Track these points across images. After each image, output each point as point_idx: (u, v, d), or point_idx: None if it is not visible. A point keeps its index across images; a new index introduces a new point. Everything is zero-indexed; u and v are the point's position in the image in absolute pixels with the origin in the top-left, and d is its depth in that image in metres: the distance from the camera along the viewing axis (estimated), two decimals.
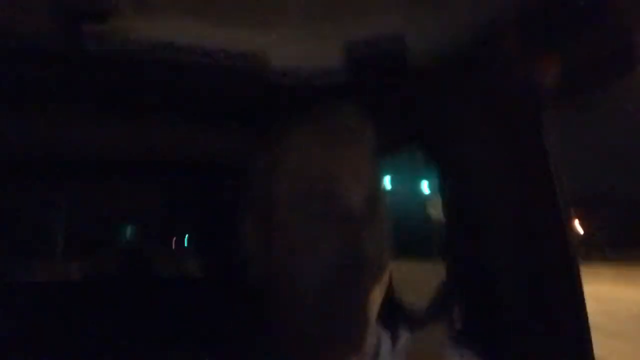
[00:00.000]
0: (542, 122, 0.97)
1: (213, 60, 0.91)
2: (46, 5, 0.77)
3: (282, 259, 0.64)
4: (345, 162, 0.65)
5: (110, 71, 0.96)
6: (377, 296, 0.64)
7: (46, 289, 2.14)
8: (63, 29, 0.81)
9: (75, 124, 1.30)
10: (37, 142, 1.42)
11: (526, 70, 0.92)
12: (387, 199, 0.69)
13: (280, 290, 0.66)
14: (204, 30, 0.83)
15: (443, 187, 1.13)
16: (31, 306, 1.78)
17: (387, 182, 0.72)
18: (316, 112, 0.69)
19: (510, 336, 0.94)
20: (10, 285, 2.12)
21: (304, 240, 0.62)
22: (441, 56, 0.89)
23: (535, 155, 0.96)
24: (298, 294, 0.63)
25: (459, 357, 0.74)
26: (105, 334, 1.60)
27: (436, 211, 1.18)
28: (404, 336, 0.74)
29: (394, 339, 0.73)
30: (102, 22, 0.78)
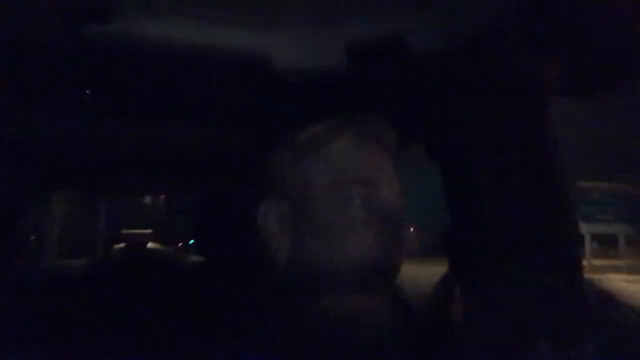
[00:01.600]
0: (544, 120, 0.97)
1: (215, 61, 0.91)
2: (47, 5, 0.77)
3: (312, 248, 0.65)
4: (378, 158, 0.70)
5: (111, 71, 0.97)
6: (391, 289, 0.66)
7: (57, 284, 2.18)
8: (64, 29, 0.81)
9: (78, 124, 1.31)
10: (37, 142, 1.42)
11: (528, 68, 0.92)
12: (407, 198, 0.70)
13: (306, 279, 0.67)
14: (206, 31, 0.83)
15: (445, 184, 1.13)
16: (36, 301, 1.82)
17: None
18: (348, 116, 0.71)
19: (513, 332, 0.94)
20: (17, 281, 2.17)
21: (340, 229, 0.64)
22: (443, 55, 0.89)
23: (539, 152, 0.96)
24: (323, 283, 0.64)
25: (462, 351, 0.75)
26: (112, 328, 1.62)
27: (438, 208, 1.18)
28: (407, 328, 0.75)
29: (398, 330, 0.74)
30: (104, 22, 0.78)
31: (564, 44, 0.86)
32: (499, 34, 0.84)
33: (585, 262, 1.05)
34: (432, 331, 0.92)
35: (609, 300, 0.99)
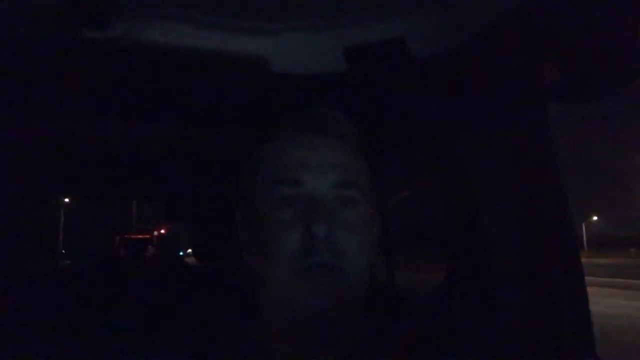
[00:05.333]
0: (544, 120, 0.97)
1: (213, 63, 0.91)
2: (47, 8, 0.77)
3: (260, 245, 0.66)
4: (315, 151, 0.67)
5: (109, 73, 0.97)
6: (358, 285, 0.64)
7: (57, 285, 2.21)
8: (63, 31, 0.81)
9: (76, 125, 1.31)
10: (37, 142, 1.43)
11: (527, 69, 0.92)
12: (371, 191, 0.70)
13: (261, 275, 0.67)
14: (204, 33, 0.84)
15: (445, 185, 1.13)
16: (36, 301, 1.84)
17: (376, 177, 0.73)
18: (294, 109, 0.71)
19: (510, 334, 0.94)
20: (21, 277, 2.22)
21: (277, 224, 0.64)
22: (442, 57, 0.89)
23: (539, 153, 0.96)
24: (273, 280, 0.64)
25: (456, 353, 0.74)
26: (110, 327, 1.64)
27: (436, 209, 1.18)
28: (402, 330, 0.74)
29: (391, 332, 0.73)
30: (102, 26, 0.79)
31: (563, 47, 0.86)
32: (497, 37, 0.84)
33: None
34: (430, 335, 0.92)
35: None
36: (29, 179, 1.97)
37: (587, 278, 0.93)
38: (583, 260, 0.96)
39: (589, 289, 0.92)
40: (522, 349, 0.91)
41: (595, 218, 57.07)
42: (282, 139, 0.70)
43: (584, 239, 44.60)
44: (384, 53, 0.87)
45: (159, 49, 0.86)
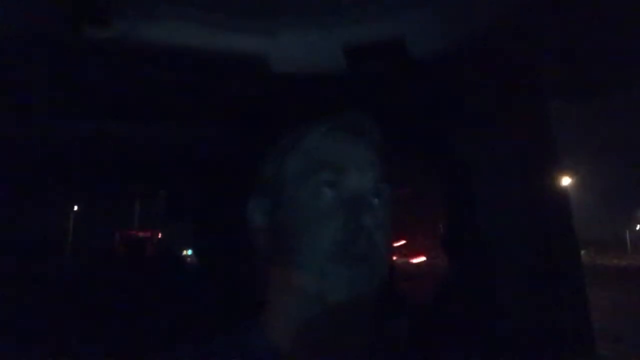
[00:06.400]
0: (545, 120, 0.97)
1: (215, 63, 0.91)
2: (49, 7, 0.77)
3: (291, 233, 0.65)
4: (353, 146, 0.68)
5: (111, 73, 0.97)
6: (376, 282, 0.65)
7: (56, 284, 2.22)
8: (65, 31, 0.81)
9: (76, 125, 1.31)
10: (37, 143, 1.43)
11: (528, 69, 0.92)
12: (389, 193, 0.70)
13: (287, 264, 0.66)
14: (206, 33, 0.84)
15: (447, 185, 1.14)
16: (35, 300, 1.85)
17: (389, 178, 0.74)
18: (325, 110, 0.72)
19: (511, 334, 0.94)
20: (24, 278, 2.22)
21: (317, 211, 0.64)
22: (442, 57, 0.89)
23: (539, 153, 0.96)
24: (307, 268, 0.64)
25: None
26: (109, 326, 1.64)
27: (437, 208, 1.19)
28: (405, 325, 0.75)
29: (395, 327, 0.74)
30: (104, 25, 0.79)
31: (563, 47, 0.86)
32: (497, 36, 0.85)
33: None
34: (431, 329, 0.93)
35: None
36: (31, 180, 1.97)
37: None
38: None
39: None
40: (522, 348, 0.91)
41: None
42: (315, 132, 0.70)
43: None
44: (384, 53, 0.87)
45: (160, 48, 0.87)
